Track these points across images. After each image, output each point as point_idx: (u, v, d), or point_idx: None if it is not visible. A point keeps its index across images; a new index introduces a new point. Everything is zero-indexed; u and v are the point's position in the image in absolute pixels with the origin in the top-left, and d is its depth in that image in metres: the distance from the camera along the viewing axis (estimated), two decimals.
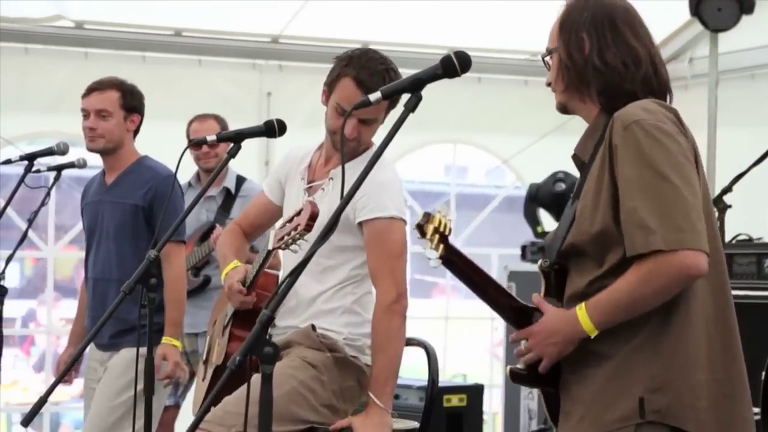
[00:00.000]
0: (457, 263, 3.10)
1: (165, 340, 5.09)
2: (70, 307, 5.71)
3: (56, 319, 8.97)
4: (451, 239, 3.07)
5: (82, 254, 5.51)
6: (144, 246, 5.03)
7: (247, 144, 6.96)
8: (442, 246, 3.04)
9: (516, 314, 3.13)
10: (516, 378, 3.17)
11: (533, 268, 7.81)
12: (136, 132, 5.35)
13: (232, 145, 3.98)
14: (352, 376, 4.19)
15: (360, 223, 4.11)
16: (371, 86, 3.94)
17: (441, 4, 7.90)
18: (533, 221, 8.10)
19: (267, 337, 2.76)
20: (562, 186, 7.88)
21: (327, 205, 4.06)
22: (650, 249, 2.87)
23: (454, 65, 2.96)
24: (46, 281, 8.56)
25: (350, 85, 4.09)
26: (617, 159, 2.95)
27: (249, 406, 3.80)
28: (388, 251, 4.08)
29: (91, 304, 5.31)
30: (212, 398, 2.77)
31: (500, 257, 9.36)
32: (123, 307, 4.60)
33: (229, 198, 6.50)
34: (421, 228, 3.05)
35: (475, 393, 7.15)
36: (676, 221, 2.87)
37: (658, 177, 2.90)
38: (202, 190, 4.02)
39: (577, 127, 3.18)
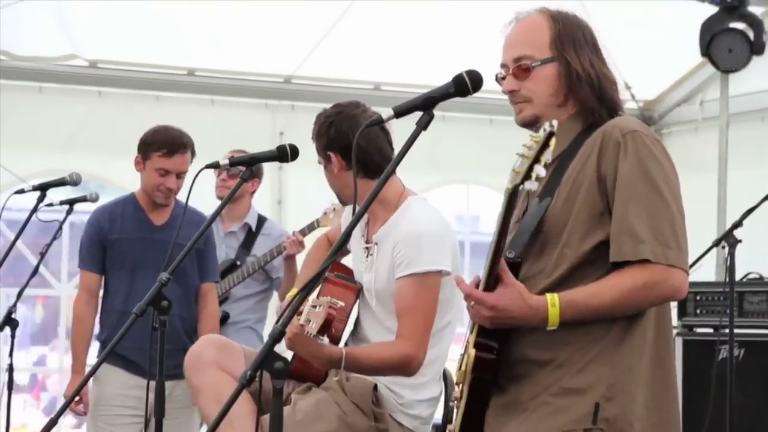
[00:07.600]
0: None
1: None
2: None
3: (69, 360, 8.89)
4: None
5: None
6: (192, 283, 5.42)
7: (261, 184, 6.91)
8: None
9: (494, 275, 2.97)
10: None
11: None
12: None
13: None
14: None
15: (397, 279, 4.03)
16: None
17: (452, 44, 7.92)
18: None
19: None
20: None
21: (373, 273, 4.11)
22: (639, 257, 2.93)
23: (466, 83, 2.98)
24: (59, 319, 8.53)
25: None
26: (606, 162, 2.99)
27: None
28: (419, 308, 3.98)
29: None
30: (222, 412, 2.74)
31: None
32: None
33: (250, 235, 6.49)
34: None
35: None
36: (664, 236, 2.95)
37: (653, 189, 2.98)
38: (218, 209, 4.03)
39: None
